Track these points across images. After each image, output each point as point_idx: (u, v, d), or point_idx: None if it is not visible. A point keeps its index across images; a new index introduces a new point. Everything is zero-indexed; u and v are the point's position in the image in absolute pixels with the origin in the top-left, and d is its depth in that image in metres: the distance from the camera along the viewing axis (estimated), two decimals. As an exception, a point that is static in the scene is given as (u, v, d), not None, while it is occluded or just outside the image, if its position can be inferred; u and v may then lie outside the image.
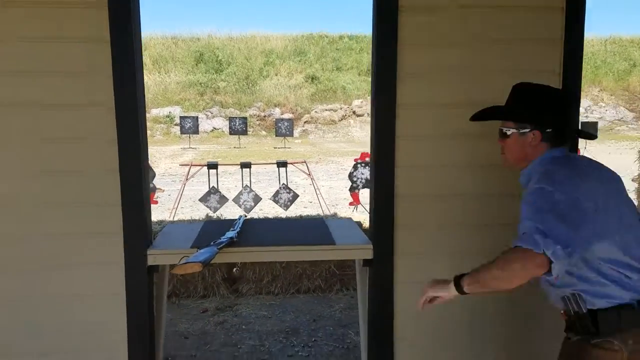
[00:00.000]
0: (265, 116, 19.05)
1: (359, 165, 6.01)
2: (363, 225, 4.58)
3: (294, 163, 6.87)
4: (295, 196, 5.99)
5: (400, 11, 1.98)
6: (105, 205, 1.95)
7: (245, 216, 2.49)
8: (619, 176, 1.57)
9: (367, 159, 6.13)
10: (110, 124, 1.91)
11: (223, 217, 5.58)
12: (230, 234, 2.13)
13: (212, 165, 5.80)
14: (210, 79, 19.63)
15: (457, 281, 1.45)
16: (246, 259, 2.20)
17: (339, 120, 19.38)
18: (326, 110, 19.42)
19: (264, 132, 18.29)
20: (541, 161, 1.53)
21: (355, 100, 19.92)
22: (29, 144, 1.90)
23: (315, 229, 2.39)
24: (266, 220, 4.10)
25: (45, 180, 1.92)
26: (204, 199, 5.67)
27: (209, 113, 18.52)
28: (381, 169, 2.08)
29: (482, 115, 1.66)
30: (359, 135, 18.42)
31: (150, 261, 2.01)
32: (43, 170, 1.92)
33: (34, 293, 1.95)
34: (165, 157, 13.32)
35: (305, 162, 7.09)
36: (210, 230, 2.33)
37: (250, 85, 19.85)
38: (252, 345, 3.24)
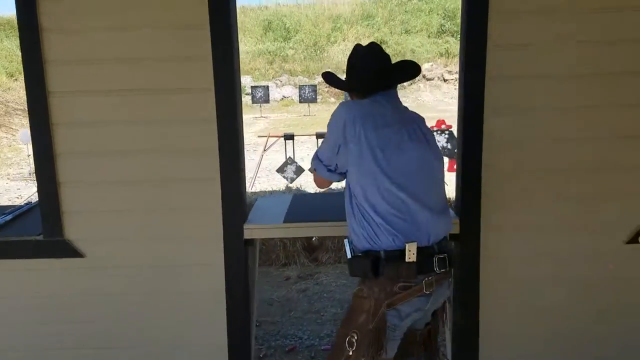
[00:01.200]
0: (333, 83, 18.97)
1: (434, 133, 5.90)
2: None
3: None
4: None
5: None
6: (206, 183, 2.08)
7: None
8: (412, 120, 1.70)
9: (443, 127, 6.00)
10: (210, 105, 2.01)
11: (302, 188, 5.72)
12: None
13: (289, 137, 5.94)
14: (278, 47, 19.75)
15: None
16: (322, 234, 2.29)
17: (409, 85, 18.90)
18: (395, 75, 18.99)
19: (332, 99, 18.26)
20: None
21: (425, 63, 19.28)
22: (141, 126, 2.05)
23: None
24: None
25: (150, 160, 2.07)
26: (281, 170, 5.84)
27: (278, 82, 18.72)
28: (469, 140, 2.06)
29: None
30: (429, 100, 17.94)
31: (247, 235, 2.14)
32: (147, 150, 2.07)
33: (143, 262, 2.13)
34: (238, 127, 13.72)
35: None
36: (300, 204, 2.43)
37: (318, 52, 19.76)
38: (334, 313, 3.38)
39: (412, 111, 1.79)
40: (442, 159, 1.75)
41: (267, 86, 15.89)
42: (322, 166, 1.74)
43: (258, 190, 5.86)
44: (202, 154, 2.06)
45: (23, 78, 2.00)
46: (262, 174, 7.54)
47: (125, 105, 2.02)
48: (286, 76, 19.06)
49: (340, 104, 1.71)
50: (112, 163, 2.05)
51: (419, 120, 1.74)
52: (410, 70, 1.76)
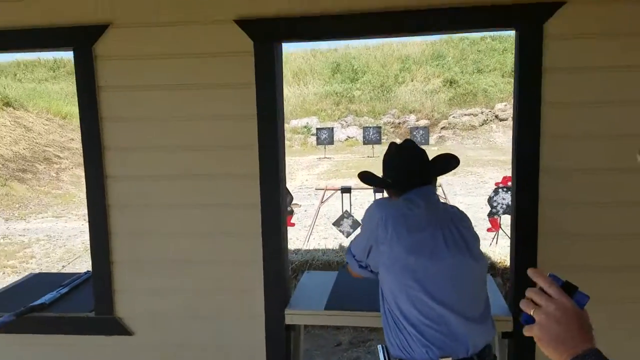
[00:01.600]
0: (399, 123, 18.91)
1: (500, 190, 5.64)
2: (503, 263, 4.29)
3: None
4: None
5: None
6: (249, 265, 2.09)
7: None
8: (450, 219, 1.61)
9: (510, 184, 5.73)
10: (255, 191, 2.05)
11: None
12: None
13: (346, 190, 5.92)
14: (345, 89, 20.10)
15: None
16: (364, 324, 2.18)
17: (480, 126, 18.44)
18: (465, 115, 18.62)
19: (398, 140, 18.14)
20: None
21: (498, 103, 18.77)
22: (188, 209, 2.12)
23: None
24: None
25: (197, 241, 2.12)
26: (337, 223, 5.80)
27: (343, 122, 18.96)
28: (522, 236, 1.93)
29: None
30: (502, 141, 17.33)
31: (288, 321, 2.11)
32: (194, 232, 2.12)
33: (189, 341, 2.16)
34: (302, 168, 13.95)
35: (440, 185, 6.85)
36: (345, 284, 2.37)
37: (385, 92, 19.88)
38: (384, 388, 3.23)
39: (451, 207, 1.71)
40: (484, 259, 1.65)
41: (332, 128, 16.11)
42: (355, 261, 1.72)
43: (312, 247, 5.84)
44: (246, 237, 2.08)
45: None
46: (320, 222, 7.55)
47: (175, 188, 2.09)
48: (352, 116, 19.27)
49: (374, 201, 1.68)
50: (162, 243, 2.12)
51: (457, 219, 1.65)
52: (446, 165, 1.69)
